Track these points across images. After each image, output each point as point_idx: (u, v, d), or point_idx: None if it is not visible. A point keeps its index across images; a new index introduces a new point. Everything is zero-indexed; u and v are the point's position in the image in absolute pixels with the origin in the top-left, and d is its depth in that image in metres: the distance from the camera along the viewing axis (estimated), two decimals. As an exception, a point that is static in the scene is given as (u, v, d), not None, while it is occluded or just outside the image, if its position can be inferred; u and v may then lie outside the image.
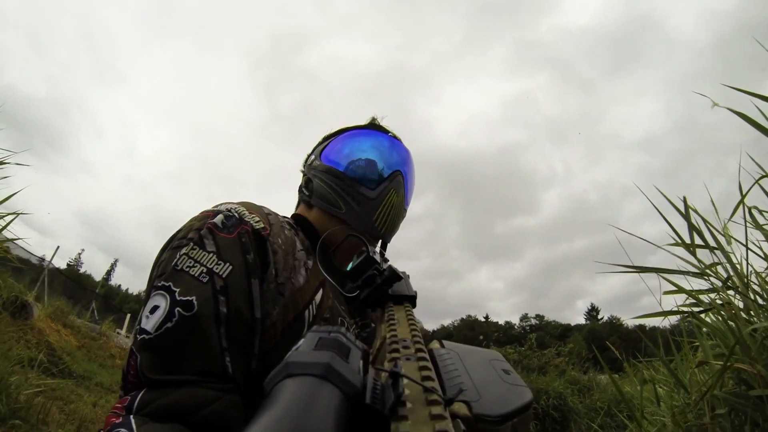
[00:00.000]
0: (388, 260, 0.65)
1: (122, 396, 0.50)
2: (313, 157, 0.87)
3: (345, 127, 0.91)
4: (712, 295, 1.46)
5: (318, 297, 0.67)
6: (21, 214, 2.19)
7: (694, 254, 1.53)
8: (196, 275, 0.54)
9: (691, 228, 1.55)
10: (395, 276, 0.58)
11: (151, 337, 0.50)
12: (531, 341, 10.26)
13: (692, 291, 1.53)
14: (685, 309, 1.53)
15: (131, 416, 0.46)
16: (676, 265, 1.57)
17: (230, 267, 0.56)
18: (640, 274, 1.57)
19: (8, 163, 2.13)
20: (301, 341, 0.28)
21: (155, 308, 0.52)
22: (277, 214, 0.71)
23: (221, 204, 0.65)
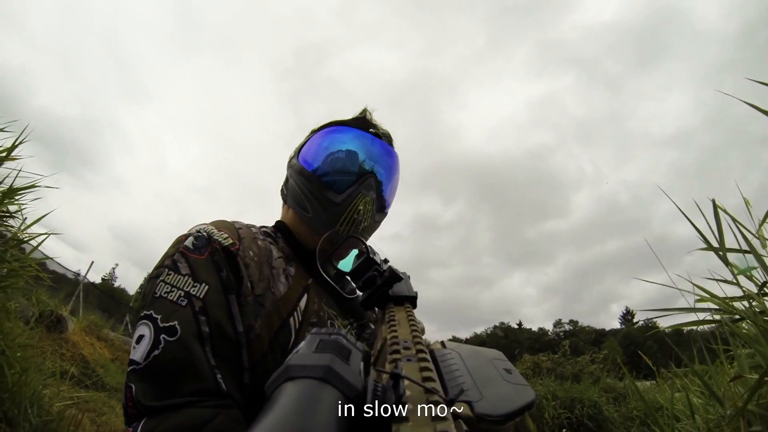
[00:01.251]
0: (388, 261, 0.65)
1: (125, 429, 0.50)
2: (292, 154, 0.84)
3: (332, 120, 0.84)
4: (747, 303, 1.38)
5: (302, 303, 0.67)
6: (52, 234, 2.29)
7: (724, 259, 1.43)
8: (174, 300, 0.55)
9: (720, 230, 1.46)
10: (396, 277, 0.58)
11: (141, 367, 0.51)
12: (564, 348, 10.06)
13: (724, 298, 1.43)
14: (718, 317, 1.45)
15: None
16: (707, 270, 1.49)
17: (206, 287, 0.56)
18: (672, 278, 1.47)
19: (39, 186, 2.22)
20: (302, 344, 0.28)
21: (141, 338, 0.53)
22: (250, 227, 0.71)
23: (194, 227, 0.66)
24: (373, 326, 0.80)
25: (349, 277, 0.65)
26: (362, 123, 0.83)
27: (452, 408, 0.30)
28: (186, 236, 0.62)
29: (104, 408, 4.26)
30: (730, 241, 1.48)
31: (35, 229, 2.20)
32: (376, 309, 0.61)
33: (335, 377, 0.24)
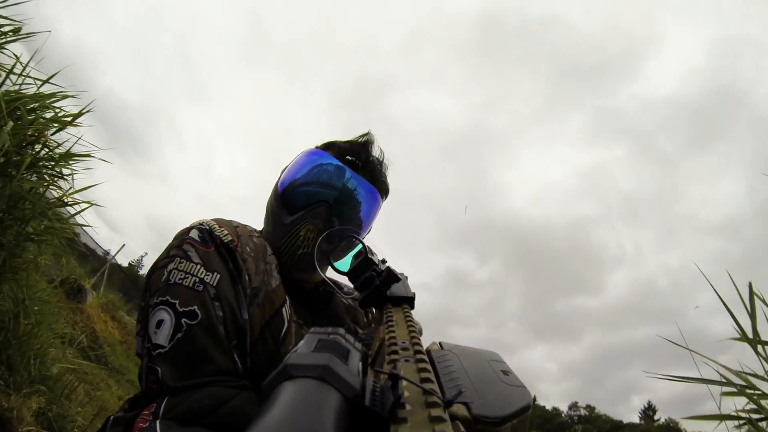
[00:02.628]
0: (386, 261, 0.65)
1: (148, 407, 0.53)
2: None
3: (327, 141, 0.86)
4: None
5: (288, 301, 0.70)
6: (95, 204, 2.36)
7: (755, 350, 1.35)
8: (190, 285, 0.58)
9: (753, 318, 1.37)
10: (393, 277, 0.58)
11: (167, 350, 0.55)
12: None
13: (753, 394, 1.30)
14: (744, 414, 1.32)
15: (157, 420, 0.50)
16: (738, 364, 1.36)
17: (218, 276, 0.61)
18: (702, 374, 1.35)
19: (93, 156, 2.32)
20: (301, 343, 0.28)
21: (161, 322, 0.56)
22: (246, 226, 0.75)
23: (195, 221, 0.70)
24: (360, 330, 0.80)
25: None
26: (345, 150, 0.82)
27: (450, 409, 0.30)
28: (189, 229, 0.66)
29: (101, 384, 4.28)
30: (765, 333, 1.36)
31: (81, 197, 2.30)
32: (374, 309, 0.61)
33: (334, 377, 0.24)
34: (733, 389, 1.34)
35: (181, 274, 0.59)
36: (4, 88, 1.99)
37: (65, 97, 2.22)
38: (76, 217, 2.31)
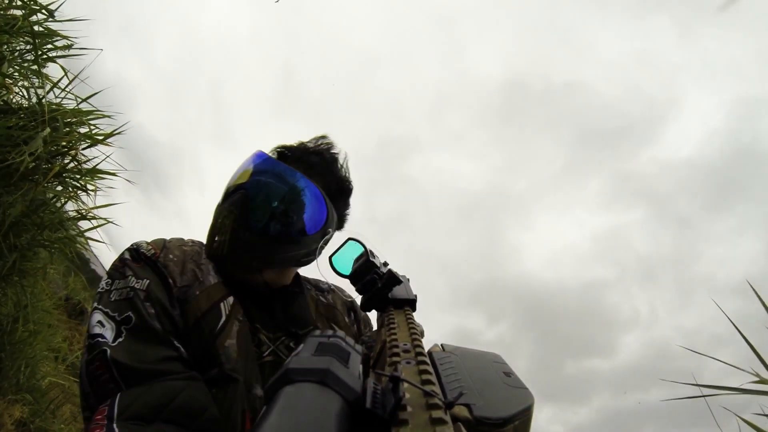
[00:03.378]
0: (388, 264, 0.65)
1: (100, 408, 0.54)
2: None
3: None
4: None
5: (231, 299, 0.69)
6: (111, 222, 2.42)
7: None
8: (123, 297, 0.62)
9: None
10: (395, 280, 0.58)
11: (114, 346, 0.57)
12: None
13: None
14: None
15: (114, 424, 0.50)
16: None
17: (147, 281, 0.64)
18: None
19: (119, 176, 2.40)
20: (301, 346, 0.28)
21: (103, 323, 0.59)
22: (182, 239, 0.77)
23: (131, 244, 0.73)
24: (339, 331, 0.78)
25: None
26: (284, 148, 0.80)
27: (451, 411, 0.30)
28: (124, 251, 0.70)
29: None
30: None
31: (99, 213, 2.34)
32: (376, 312, 0.61)
33: (334, 380, 0.24)
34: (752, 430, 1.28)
35: (117, 292, 0.62)
36: (47, 99, 2.06)
37: (101, 116, 2.31)
38: (90, 232, 2.36)
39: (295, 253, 0.72)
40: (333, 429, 0.21)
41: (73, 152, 2.09)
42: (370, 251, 0.65)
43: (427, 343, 0.42)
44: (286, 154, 0.78)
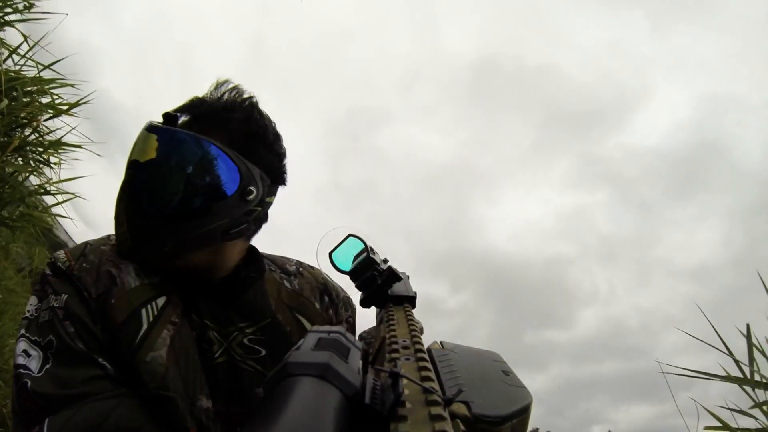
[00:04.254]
0: (388, 261, 0.65)
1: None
2: None
3: None
4: None
5: (161, 301, 0.62)
6: (78, 197, 2.33)
7: (753, 390, 1.39)
8: (44, 320, 0.57)
9: (751, 361, 1.42)
10: (395, 276, 0.58)
11: (40, 375, 0.53)
12: None
13: (737, 429, 1.38)
14: None
15: None
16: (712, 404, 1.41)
17: (65, 296, 0.58)
18: (678, 408, 1.36)
19: (84, 148, 2.28)
20: (301, 341, 0.28)
21: (27, 352, 0.55)
22: (109, 238, 0.67)
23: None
24: (288, 329, 0.69)
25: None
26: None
27: (450, 408, 0.30)
28: (46, 266, 0.64)
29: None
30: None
31: (63, 188, 2.26)
32: (375, 308, 0.61)
33: (334, 375, 0.24)
34: (718, 424, 1.39)
35: (40, 316, 0.58)
36: (4, 66, 1.93)
37: (65, 85, 2.17)
38: (55, 207, 2.26)
39: (211, 226, 0.60)
40: (331, 423, 0.21)
41: (34, 124, 1.98)
42: (370, 248, 0.65)
43: (426, 341, 0.42)
44: (175, 116, 0.65)
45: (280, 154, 0.71)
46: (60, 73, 2.17)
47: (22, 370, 0.54)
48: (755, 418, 1.36)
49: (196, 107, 0.66)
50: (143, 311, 0.59)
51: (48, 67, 2.12)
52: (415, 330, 0.40)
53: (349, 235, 0.72)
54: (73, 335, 0.56)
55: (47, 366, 0.54)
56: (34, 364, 0.54)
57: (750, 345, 1.43)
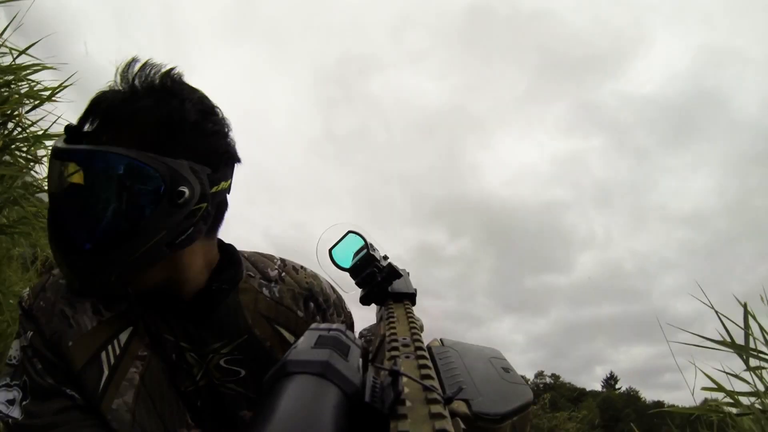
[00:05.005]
0: (388, 257, 0.65)
1: None
2: None
3: None
4: (752, 399, 1.46)
5: (124, 336, 0.59)
6: None
7: (746, 360, 1.51)
8: (19, 361, 0.57)
9: (746, 333, 1.53)
10: (395, 273, 0.58)
11: (22, 418, 0.53)
12: (545, 401, 10.13)
13: (733, 392, 1.50)
14: (721, 408, 1.52)
15: None
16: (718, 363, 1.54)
17: (31, 333, 0.57)
18: (674, 354, 1.54)
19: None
20: (300, 339, 0.28)
21: (11, 403, 0.55)
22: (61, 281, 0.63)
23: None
24: (268, 344, 0.66)
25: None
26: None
27: (450, 406, 0.30)
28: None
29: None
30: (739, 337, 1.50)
31: None
32: (376, 305, 0.61)
33: (334, 373, 0.24)
34: (714, 386, 1.53)
35: (15, 352, 0.58)
36: None
37: (44, 68, 1.99)
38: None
39: (149, 244, 0.52)
40: (331, 421, 0.21)
41: (16, 117, 1.80)
42: (370, 244, 0.65)
43: (426, 337, 0.42)
44: (77, 128, 0.55)
45: (214, 132, 0.59)
46: (37, 58, 1.98)
47: (5, 417, 0.54)
48: (747, 382, 1.47)
49: (98, 107, 0.55)
50: (103, 354, 0.56)
51: (23, 52, 1.94)
52: (415, 327, 0.40)
53: (349, 232, 0.71)
54: (41, 372, 0.55)
55: (24, 402, 0.54)
56: (16, 412, 0.54)
57: (746, 319, 1.52)
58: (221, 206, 0.63)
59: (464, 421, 0.30)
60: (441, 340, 0.44)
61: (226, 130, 0.62)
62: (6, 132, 1.86)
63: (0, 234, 1.95)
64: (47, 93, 2.00)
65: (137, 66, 0.57)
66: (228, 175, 0.62)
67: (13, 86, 1.90)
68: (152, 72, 0.57)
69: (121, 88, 0.56)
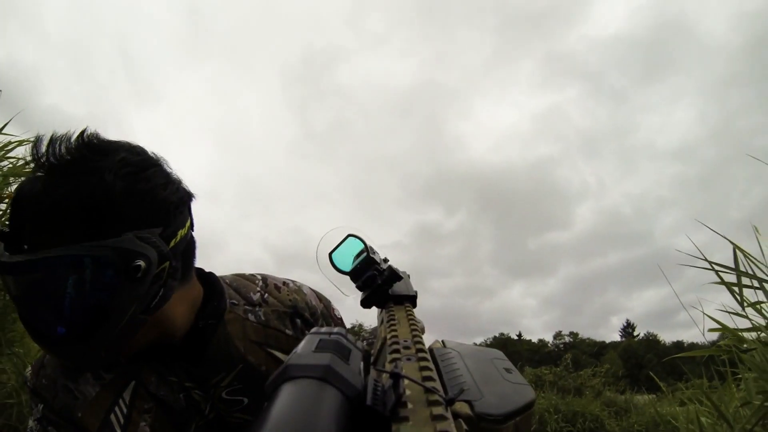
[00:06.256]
0: (388, 260, 0.65)
1: None
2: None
3: None
4: (755, 334, 1.53)
5: (127, 394, 0.60)
6: None
7: (740, 301, 1.57)
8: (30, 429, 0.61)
9: (738, 272, 1.59)
10: (395, 276, 0.58)
11: None
12: (566, 361, 10.16)
13: (736, 329, 1.57)
14: (729, 346, 1.57)
15: None
16: (719, 300, 1.62)
17: (41, 405, 0.61)
18: (675, 293, 1.64)
19: None
20: (301, 343, 0.28)
21: None
22: None
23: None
24: (264, 368, 0.67)
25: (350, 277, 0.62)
26: None
27: (452, 407, 0.30)
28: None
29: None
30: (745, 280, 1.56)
31: None
32: (376, 308, 0.61)
33: (335, 377, 0.24)
34: (718, 326, 1.62)
35: (32, 423, 0.61)
36: None
37: (19, 144, 1.96)
38: None
39: (123, 322, 0.50)
40: (332, 425, 0.21)
41: (6, 199, 1.76)
42: (370, 247, 0.65)
43: (427, 340, 0.42)
44: (13, 236, 0.50)
45: (149, 191, 0.53)
46: (13, 134, 1.95)
47: None
48: (749, 318, 1.54)
49: (21, 208, 0.51)
50: (112, 417, 0.58)
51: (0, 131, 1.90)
52: (416, 330, 0.40)
53: (349, 235, 0.72)
54: None
55: None
56: None
57: (736, 258, 1.58)
58: (187, 250, 0.60)
59: (467, 422, 0.30)
60: (442, 341, 0.44)
61: (164, 178, 0.56)
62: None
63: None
64: (31, 167, 2.02)
65: (44, 145, 0.52)
66: (183, 220, 0.58)
67: (-4, 168, 1.84)
68: (61, 146, 0.52)
69: (38, 174, 0.52)
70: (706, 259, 1.66)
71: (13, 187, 1.87)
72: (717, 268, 1.63)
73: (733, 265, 1.59)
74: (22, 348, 1.89)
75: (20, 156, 1.95)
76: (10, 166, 1.95)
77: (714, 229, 1.67)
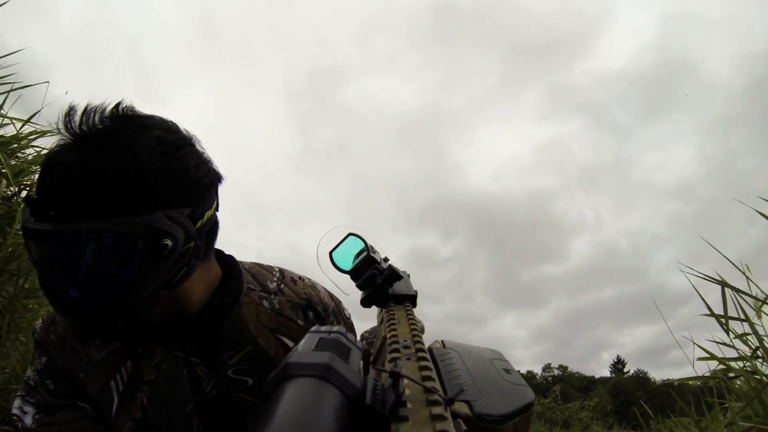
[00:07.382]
0: (388, 259, 0.65)
1: None
2: None
3: None
4: (741, 363, 1.64)
5: (132, 361, 0.61)
6: None
7: (726, 329, 1.68)
8: (34, 381, 0.61)
9: (725, 305, 1.70)
10: (396, 275, 0.58)
11: (32, 426, 0.58)
12: (555, 393, 10.20)
13: (724, 359, 1.68)
14: (718, 375, 1.69)
15: None
16: (706, 330, 1.77)
17: (45, 358, 0.62)
18: (671, 330, 1.74)
19: None
20: (301, 342, 0.28)
21: (23, 410, 0.59)
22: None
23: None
24: (272, 352, 0.67)
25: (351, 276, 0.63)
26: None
27: (451, 407, 0.30)
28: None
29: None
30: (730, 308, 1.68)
31: None
32: (376, 308, 0.61)
33: (335, 375, 0.24)
34: (707, 355, 1.73)
35: (31, 373, 0.62)
36: None
37: (42, 134, 2.01)
38: None
39: (144, 296, 0.52)
40: (333, 424, 0.21)
41: (30, 187, 1.81)
42: (371, 246, 0.65)
43: (427, 340, 0.42)
44: (43, 204, 0.50)
45: (183, 171, 0.54)
46: (38, 124, 2.00)
47: (17, 422, 0.58)
48: (736, 349, 1.65)
49: (52, 177, 0.51)
50: (112, 383, 0.60)
51: (27, 122, 1.97)
52: (416, 329, 0.40)
53: (349, 234, 0.71)
54: (54, 392, 0.59)
55: (37, 416, 0.58)
56: (28, 420, 0.58)
57: (723, 294, 1.69)
58: (211, 232, 0.62)
59: (466, 422, 0.30)
60: (442, 341, 0.44)
61: (196, 159, 0.57)
62: (19, 201, 1.86)
63: (28, 298, 1.94)
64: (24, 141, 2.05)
65: (78, 114, 0.52)
66: (211, 201, 0.59)
67: (20, 155, 1.94)
68: (95, 117, 0.52)
69: (69, 140, 0.52)
70: (699, 294, 1.76)
71: (36, 175, 1.93)
72: (708, 302, 1.75)
73: (721, 310, 1.70)
74: (25, 338, 1.91)
75: (44, 146, 2.02)
76: (35, 153, 2.02)
77: (700, 273, 1.78)
